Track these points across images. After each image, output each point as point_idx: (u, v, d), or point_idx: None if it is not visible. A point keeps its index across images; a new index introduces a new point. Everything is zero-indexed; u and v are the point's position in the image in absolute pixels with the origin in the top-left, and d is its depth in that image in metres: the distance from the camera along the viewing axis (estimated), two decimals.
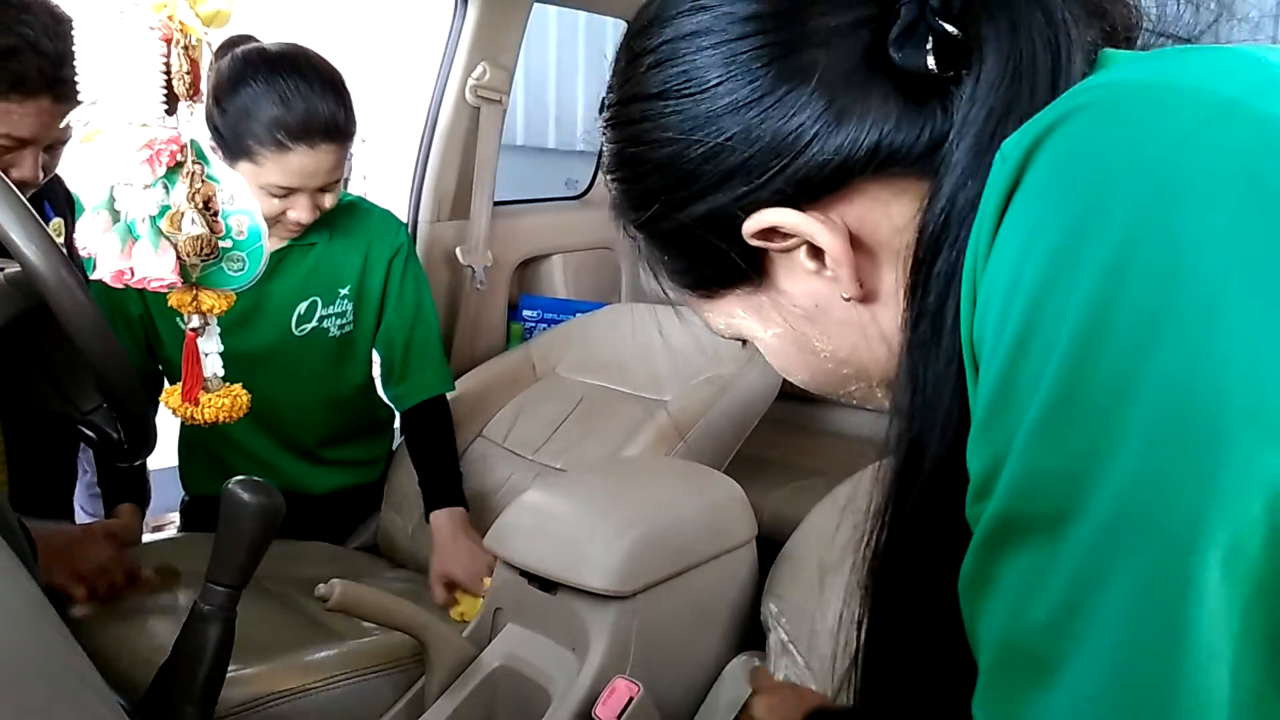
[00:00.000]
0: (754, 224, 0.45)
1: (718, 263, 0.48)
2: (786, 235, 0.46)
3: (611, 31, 4.05)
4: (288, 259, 1.45)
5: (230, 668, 0.94)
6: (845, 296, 0.47)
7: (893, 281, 0.46)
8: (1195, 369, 0.32)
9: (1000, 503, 0.36)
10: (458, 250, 1.83)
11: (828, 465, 1.80)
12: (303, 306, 1.46)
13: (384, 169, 1.83)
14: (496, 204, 1.92)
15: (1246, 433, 0.31)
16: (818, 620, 1.10)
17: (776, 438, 1.89)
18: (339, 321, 1.50)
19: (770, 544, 1.25)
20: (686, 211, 0.47)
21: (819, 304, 0.48)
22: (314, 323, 1.48)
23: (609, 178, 0.51)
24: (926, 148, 0.43)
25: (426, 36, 1.85)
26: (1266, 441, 0.31)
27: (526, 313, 2.05)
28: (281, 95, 1.29)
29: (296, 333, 1.47)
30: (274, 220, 1.36)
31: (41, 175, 1.23)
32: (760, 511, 1.27)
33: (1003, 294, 0.37)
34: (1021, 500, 0.36)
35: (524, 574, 1.15)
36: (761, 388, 1.64)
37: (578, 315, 1.90)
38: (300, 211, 1.36)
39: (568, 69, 4.40)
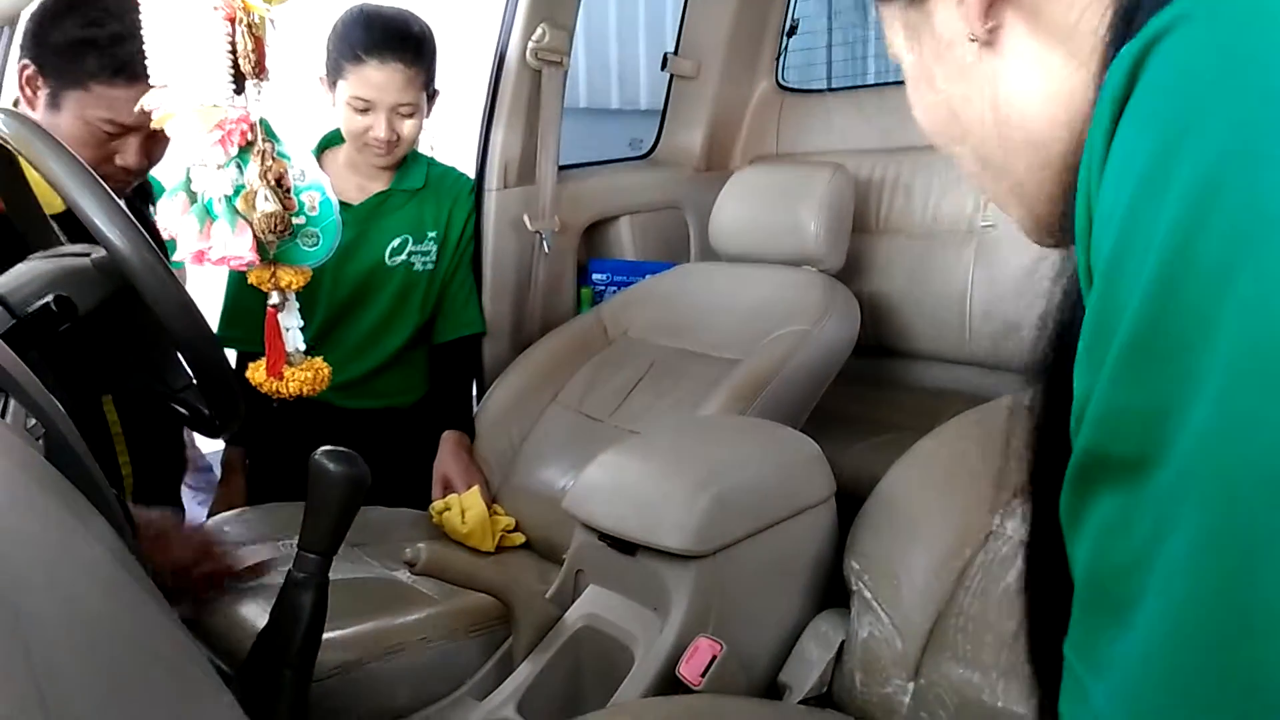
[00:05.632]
0: None
1: None
2: None
3: None
4: (390, 200, 1.69)
5: (325, 632, 0.97)
6: (970, 37, 0.47)
7: (1020, 40, 0.46)
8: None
9: (1085, 439, 0.36)
10: (525, 216, 1.83)
11: (907, 420, 1.76)
12: (396, 241, 1.69)
13: (449, 139, 1.84)
14: (561, 168, 1.91)
15: None
16: (901, 576, 1.08)
17: (855, 393, 1.86)
18: (424, 259, 1.72)
19: (851, 500, 1.23)
20: None
21: (951, 39, 0.49)
22: (404, 256, 1.70)
23: None
24: None
25: (483, 3, 1.85)
26: None
27: (596, 276, 2.05)
28: (366, 20, 1.55)
29: (389, 263, 1.68)
30: (361, 142, 1.59)
31: (147, 163, 1.27)
32: (839, 468, 1.25)
33: (1107, 215, 0.36)
34: (1104, 439, 0.35)
35: (603, 536, 1.16)
36: (836, 343, 1.61)
37: (647, 277, 1.89)
38: (378, 128, 1.56)
39: (629, 27, 4.35)
